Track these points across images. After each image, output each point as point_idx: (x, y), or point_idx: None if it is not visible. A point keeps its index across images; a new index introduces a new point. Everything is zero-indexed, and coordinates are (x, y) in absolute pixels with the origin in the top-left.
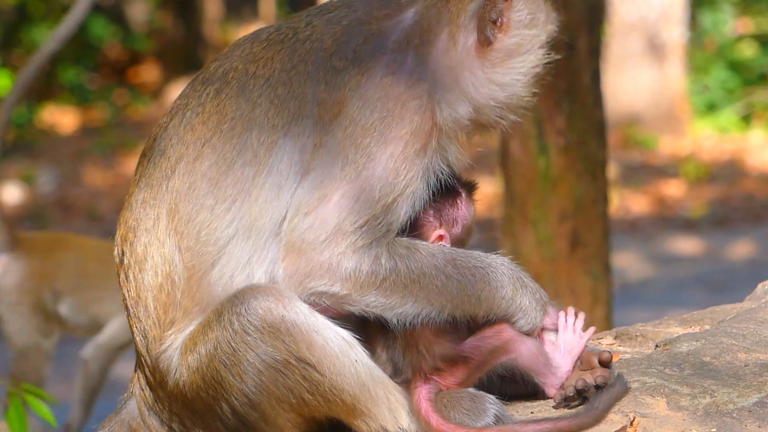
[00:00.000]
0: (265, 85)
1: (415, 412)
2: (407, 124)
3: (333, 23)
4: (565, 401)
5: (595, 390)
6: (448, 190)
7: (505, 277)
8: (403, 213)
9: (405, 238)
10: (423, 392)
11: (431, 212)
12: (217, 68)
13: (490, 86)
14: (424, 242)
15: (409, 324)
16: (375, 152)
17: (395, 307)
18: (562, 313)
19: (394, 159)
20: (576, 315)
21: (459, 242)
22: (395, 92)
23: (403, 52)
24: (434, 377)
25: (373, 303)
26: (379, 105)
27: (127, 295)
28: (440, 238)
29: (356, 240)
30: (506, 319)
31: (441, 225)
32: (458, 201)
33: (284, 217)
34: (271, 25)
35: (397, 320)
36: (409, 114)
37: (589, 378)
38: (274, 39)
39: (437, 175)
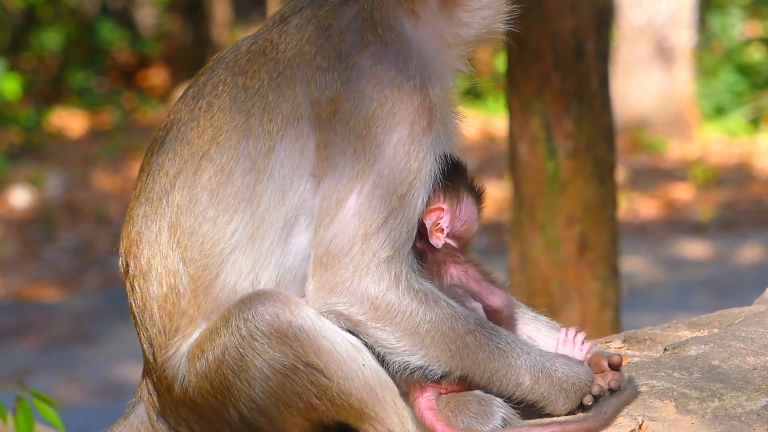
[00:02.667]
0: (257, 96)
1: (419, 423)
2: (408, 106)
3: (301, 29)
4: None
5: (609, 393)
6: (455, 171)
7: (523, 367)
8: (419, 202)
9: (429, 284)
10: (423, 402)
11: (436, 187)
12: (205, 82)
13: (481, 12)
14: (448, 298)
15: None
16: (382, 141)
17: (403, 354)
18: (563, 330)
19: (403, 143)
20: (577, 332)
21: (458, 240)
22: (388, 78)
23: (382, 40)
24: (430, 384)
25: (382, 340)
26: (376, 93)
27: (133, 304)
28: (440, 209)
29: (378, 251)
30: (530, 405)
31: (443, 200)
32: (462, 187)
33: (295, 219)
34: (248, 36)
35: (401, 367)
36: (407, 95)
37: (603, 382)
38: (255, 51)
39: (443, 151)
